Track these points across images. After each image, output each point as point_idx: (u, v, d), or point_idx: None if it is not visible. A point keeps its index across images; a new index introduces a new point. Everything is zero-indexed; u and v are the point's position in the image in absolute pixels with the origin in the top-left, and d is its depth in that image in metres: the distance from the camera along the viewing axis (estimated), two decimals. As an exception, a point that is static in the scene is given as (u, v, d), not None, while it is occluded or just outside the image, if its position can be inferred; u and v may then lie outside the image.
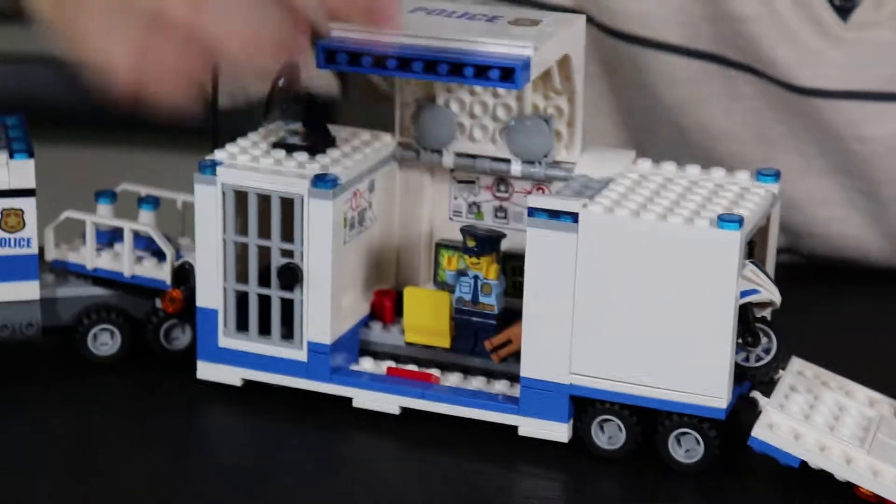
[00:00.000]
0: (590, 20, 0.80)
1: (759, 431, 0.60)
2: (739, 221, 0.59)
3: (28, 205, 0.66)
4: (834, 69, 0.80)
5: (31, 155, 0.65)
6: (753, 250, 0.65)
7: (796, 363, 0.65)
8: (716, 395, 0.60)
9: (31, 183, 0.66)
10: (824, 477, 0.60)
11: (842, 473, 0.59)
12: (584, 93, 0.66)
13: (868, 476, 0.58)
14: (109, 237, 0.71)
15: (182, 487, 0.61)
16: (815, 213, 0.83)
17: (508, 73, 0.59)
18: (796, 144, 0.82)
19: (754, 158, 0.82)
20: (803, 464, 0.60)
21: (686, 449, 0.62)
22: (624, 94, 0.85)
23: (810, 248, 0.84)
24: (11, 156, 0.65)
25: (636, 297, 0.60)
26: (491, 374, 0.66)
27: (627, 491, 0.62)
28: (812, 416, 0.61)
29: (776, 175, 0.65)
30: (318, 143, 0.67)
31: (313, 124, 0.67)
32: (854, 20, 0.80)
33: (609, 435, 0.63)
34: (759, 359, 0.62)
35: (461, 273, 0.64)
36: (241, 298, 0.66)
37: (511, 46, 0.60)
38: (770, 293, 0.62)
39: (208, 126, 0.68)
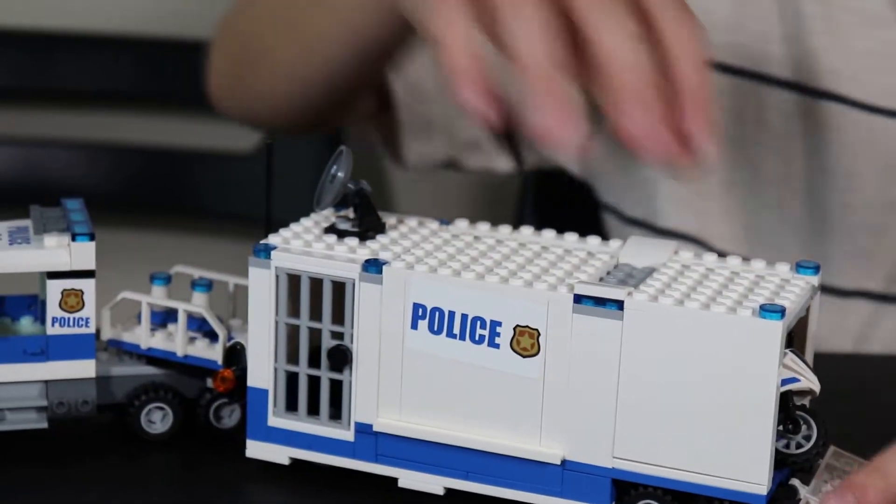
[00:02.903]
0: None
1: None
2: (781, 312, 0.60)
3: (87, 286, 0.68)
4: None
5: (91, 238, 0.68)
6: (793, 340, 0.66)
7: (832, 451, 0.66)
8: (756, 481, 0.62)
9: (91, 265, 0.68)
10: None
11: None
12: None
13: None
14: (163, 318, 0.72)
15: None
16: None
17: None
18: None
19: None
20: None
21: (726, 534, 0.63)
22: None
23: None
24: (73, 238, 0.67)
25: (679, 383, 0.62)
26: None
27: (668, 574, 0.63)
28: None
29: (816, 268, 0.66)
30: (368, 228, 0.69)
31: (364, 210, 0.69)
32: None
33: (650, 519, 0.64)
34: (799, 446, 0.63)
35: None
36: (291, 379, 0.68)
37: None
38: (809, 381, 0.63)
39: (264, 213, 0.71)
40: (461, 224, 0.71)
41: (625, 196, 0.96)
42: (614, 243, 0.69)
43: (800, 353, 0.64)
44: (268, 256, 0.67)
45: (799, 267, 0.67)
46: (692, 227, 0.93)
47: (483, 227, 0.70)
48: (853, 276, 0.90)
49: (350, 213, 0.70)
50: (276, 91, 0.90)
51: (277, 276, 0.67)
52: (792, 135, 0.89)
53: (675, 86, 0.59)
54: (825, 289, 0.91)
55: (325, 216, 0.71)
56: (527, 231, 0.70)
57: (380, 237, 0.69)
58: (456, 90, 0.60)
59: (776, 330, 0.60)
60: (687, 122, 0.59)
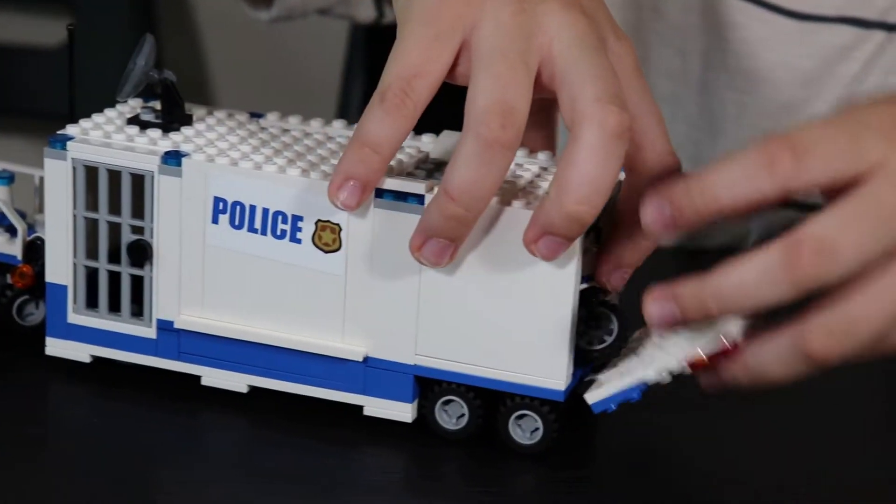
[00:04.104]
0: None
1: (591, 395, 0.61)
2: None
3: None
4: None
5: None
6: (600, 235, 0.65)
7: (636, 333, 0.65)
8: (554, 377, 0.61)
9: None
10: (663, 455, 0.61)
11: (670, 362, 0.60)
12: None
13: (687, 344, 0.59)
14: (-38, 211, 0.70)
15: (29, 464, 0.62)
16: None
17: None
18: None
19: None
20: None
21: (526, 430, 0.62)
22: None
23: None
24: None
25: (480, 279, 0.61)
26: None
27: (469, 471, 0.63)
28: (643, 352, 0.62)
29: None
30: (173, 120, 0.67)
31: (168, 101, 0.67)
32: None
33: (453, 415, 0.63)
34: (601, 341, 0.63)
35: None
36: (92, 275, 0.66)
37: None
38: (612, 278, 0.63)
39: (68, 102, 0.68)
40: (272, 117, 0.69)
41: None
42: (426, 137, 0.67)
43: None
44: (64, 147, 0.65)
45: None
46: None
47: (293, 121, 0.69)
48: None
49: (157, 104, 0.67)
50: None
51: (74, 168, 0.65)
52: (690, 28, 0.88)
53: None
54: None
55: (132, 108, 0.69)
56: (338, 124, 0.68)
57: (184, 129, 0.66)
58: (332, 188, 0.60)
59: (575, 225, 0.60)
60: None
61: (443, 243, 0.59)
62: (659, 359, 0.60)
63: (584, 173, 0.57)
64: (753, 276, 0.56)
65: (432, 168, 0.64)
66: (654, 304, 0.58)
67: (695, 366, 0.59)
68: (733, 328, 0.59)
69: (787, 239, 0.56)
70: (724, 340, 0.58)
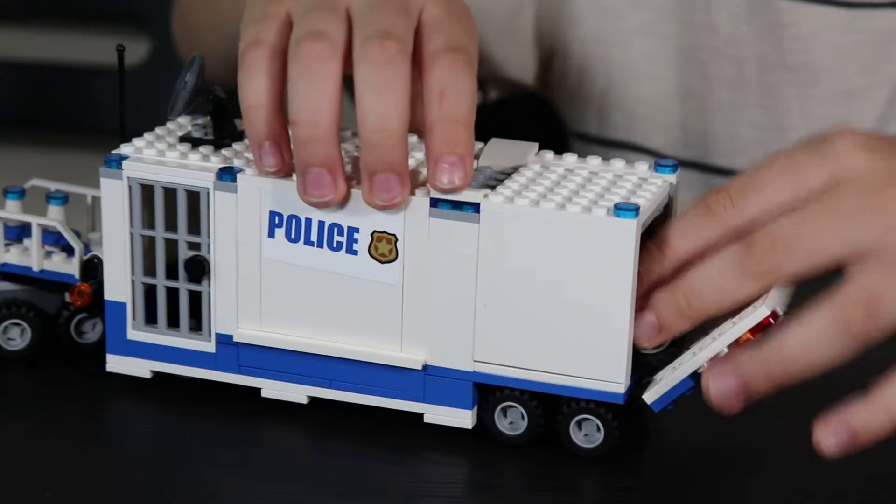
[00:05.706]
0: None
1: (649, 394, 0.62)
2: (636, 210, 0.60)
3: (-64, 201, 0.66)
4: None
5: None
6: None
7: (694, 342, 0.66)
8: (614, 380, 0.62)
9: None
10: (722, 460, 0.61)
11: (718, 347, 0.60)
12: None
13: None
14: (18, 232, 0.71)
15: (92, 479, 0.62)
16: None
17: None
18: None
19: None
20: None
21: (586, 434, 0.63)
22: None
23: None
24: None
25: (536, 284, 0.62)
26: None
27: (529, 476, 0.63)
28: (695, 346, 0.63)
29: (674, 166, 0.66)
30: (224, 136, 0.67)
31: (219, 117, 0.67)
32: None
33: (511, 421, 0.64)
34: (658, 345, 0.63)
35: None
36: (150, 291, 0.67)
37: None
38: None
39: (118, 124, 0.69)
40: None
41: (574, 111, 0.96)
42: (476, 145, 0.68)
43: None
44: (119, 167, 0.65)
45: (657, 166, 0.66)
46: (644, 138, 0.93)
47: (346, 133, 0.69)
48: None
49: (207, 120, 0.68)
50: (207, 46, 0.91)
51: (130, 187, 0.65)
52: (742, 37, 0.90)
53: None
54: None
55: (182, 125, 0.69)
56: None
57: (236, 145, 0.67)
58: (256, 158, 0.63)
59: (631, 228, 0.60)
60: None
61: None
62: (709, 347, 0.61)
63: None
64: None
65: (485, 177, 0.65)
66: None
67: (738, 343, 0.60)
68: (775, 299, 0.60)
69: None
70: (766, 312, 0.59)
